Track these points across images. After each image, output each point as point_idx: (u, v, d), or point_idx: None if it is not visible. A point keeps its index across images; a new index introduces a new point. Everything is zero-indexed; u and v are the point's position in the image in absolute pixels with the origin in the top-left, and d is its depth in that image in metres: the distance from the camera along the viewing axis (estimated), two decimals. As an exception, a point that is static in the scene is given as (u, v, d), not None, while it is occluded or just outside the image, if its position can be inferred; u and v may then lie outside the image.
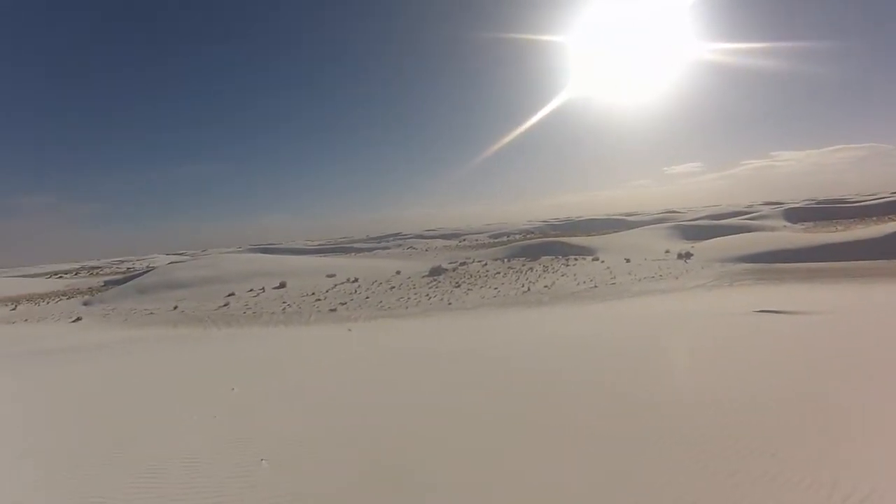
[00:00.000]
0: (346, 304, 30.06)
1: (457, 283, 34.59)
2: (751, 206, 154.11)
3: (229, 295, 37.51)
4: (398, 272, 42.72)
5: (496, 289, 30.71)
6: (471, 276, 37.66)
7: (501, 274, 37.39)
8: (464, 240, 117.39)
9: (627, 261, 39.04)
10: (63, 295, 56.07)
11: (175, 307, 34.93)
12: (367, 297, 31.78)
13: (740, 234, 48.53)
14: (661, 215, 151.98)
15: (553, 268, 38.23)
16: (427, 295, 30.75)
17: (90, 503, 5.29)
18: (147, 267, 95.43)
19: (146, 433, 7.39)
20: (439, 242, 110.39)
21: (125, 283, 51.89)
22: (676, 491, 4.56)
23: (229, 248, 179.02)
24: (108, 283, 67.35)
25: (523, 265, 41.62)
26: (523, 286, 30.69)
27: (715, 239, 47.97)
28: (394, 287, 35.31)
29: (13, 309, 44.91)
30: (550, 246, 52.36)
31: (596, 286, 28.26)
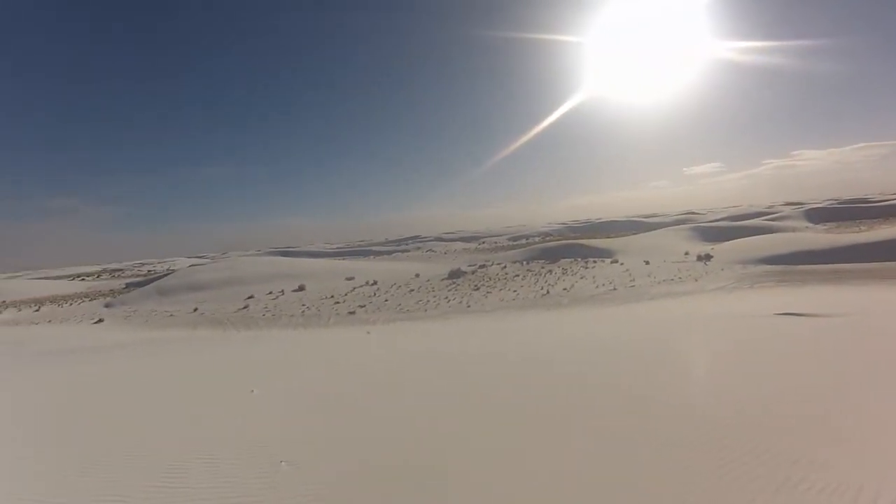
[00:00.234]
0: (364, 306, 30.14)
1: (476, 285, 34.54)
2: (772, 206, 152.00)
3: (249, 297, 37.81)
4: (417, 275, 42.75)
5: (515, 291, 30.62)
6: (490, 278, 37.57)
7: (520, 276, 37.26)
8: (483, 242, 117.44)
9: (647, 263, 38.70)
10: (85, 296, 57.11)
11: (195, 309, 35.29)
12: (386, 300, 31.81)
13: (761, 236, 47.77)
14: (680, 217, 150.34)
15: (572, 270, 38.02)
16: (446, 298, 30.74)
17: (112, 501, 5.38)
18: (168, 269, 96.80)
19: (166, 434, 7.48)
20: (458, 245, 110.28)
21: (146, 285, 52.63)
22: (698, 496, 4.52)
23: (249, 251, 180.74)
24: (129, 286, 68.43)
25: (542, 268, 41.45)
26: (542, 289, 30.58)
27: (735, 240, 47.39)
28: (413, 290, 35.35)
29: (37, 310, 45.85)
30: (569, 248, 52.12)
31: (615, 288, 28.08)
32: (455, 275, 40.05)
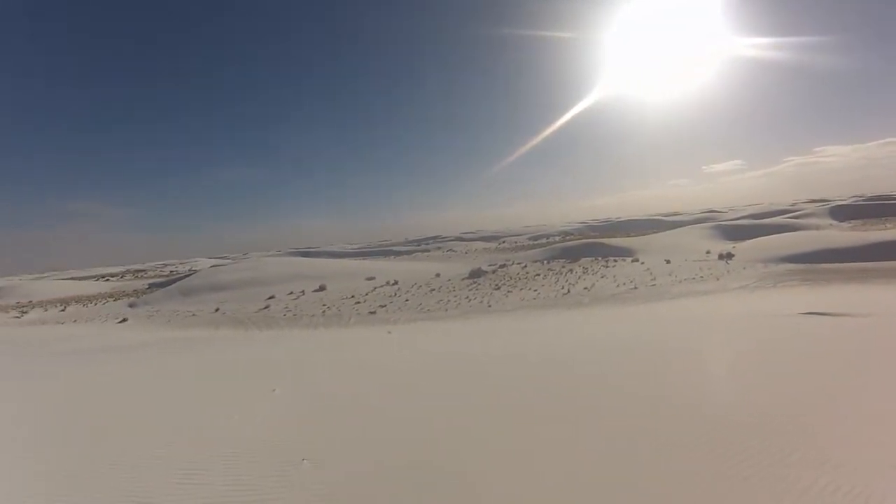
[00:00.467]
0: (385, 306, 30.21)
1: (497, 285, 34.49)
2: (794, 203, 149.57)
3: (270, 297, 38.02)
4: (438, 275, 42.77)
5: (536, 291, 30.54)
6: (511, 278, 37.50)
7: (541, 276, 37.16)
8: (503, 242, 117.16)
9: (668, 262, 38.28)
10: (110, 297, 58.16)
11: (217, 309, 35.69)
12: (407, 300, 31.87)
13: (784, 234, 47.02)
14: (701, 215, 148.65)
15: (593, 269, 37.77)
16: (467, 297, 30.72)
17: (134, 500, 5.46)
18: (190, 270, 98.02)
19: (188, 432, 7.58)
20: (479, 245, 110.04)
21: (169, 285, 53.33)
22: (719, 500, 4.47)
23: (269, 252, 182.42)
24: (152, 286, 69.38)
25: (563, 267, 41.26)
26: (563, 288, 30.45)
27: (757, 239, 46.68)
28: (433, 290, 35.38)
29: (63, 310, 46.86)
30: (590, 247, 51.81)
31: (636, 288, 27.87)
32: (476, 274, 40.02)
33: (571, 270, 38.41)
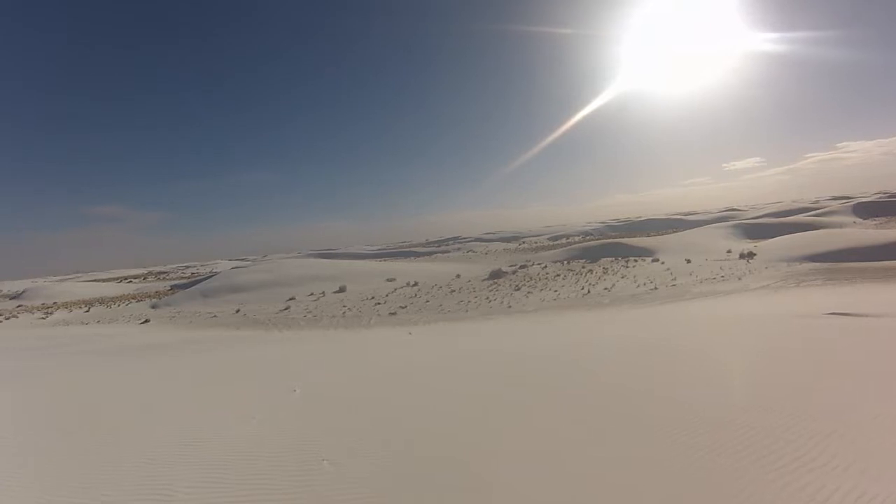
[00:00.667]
0: (405, 307, 30.36)
1: (517, 286, 34.48)
2: (817, 201, 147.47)
3: (290, 299, 38.51)
4: (458, 276, 43.07)
5: (556, 291, 30.50)
6: (531, 278, 37.50)
7: (561, 276, 37.11)
8: (523, 242, 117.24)
9: (688, 261, 38.07)
10: (132, 298, 59.61)
11: (237, 310, 36.23)
12: (427, 301, 32.07)
13: (806, 232, 46.08)
14: (721, 214, 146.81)
15: (613, 269, 37.65)
16: (487, 298, 30.77)
17: (155, 495, 5.56)
18: (210, 272, 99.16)
19: (209, 431, 7.66)
20: (499, 245, 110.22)
21: (190, 287, 54.40)
22: None
23: (289, 254, 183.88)
24: (174, 287, 70.64)
25: (583, 267, 41.20)
26: (583, 288, 30.37)
27: (779, 237, 46.14)
28: (454, 290, 35.57)
29: (87, 311, 48.11)
30: (610, 247, 51.46)
31: (656, 288, 27.72)
32: (496, 275, 40.13)
33: (591, 271, 38.28)
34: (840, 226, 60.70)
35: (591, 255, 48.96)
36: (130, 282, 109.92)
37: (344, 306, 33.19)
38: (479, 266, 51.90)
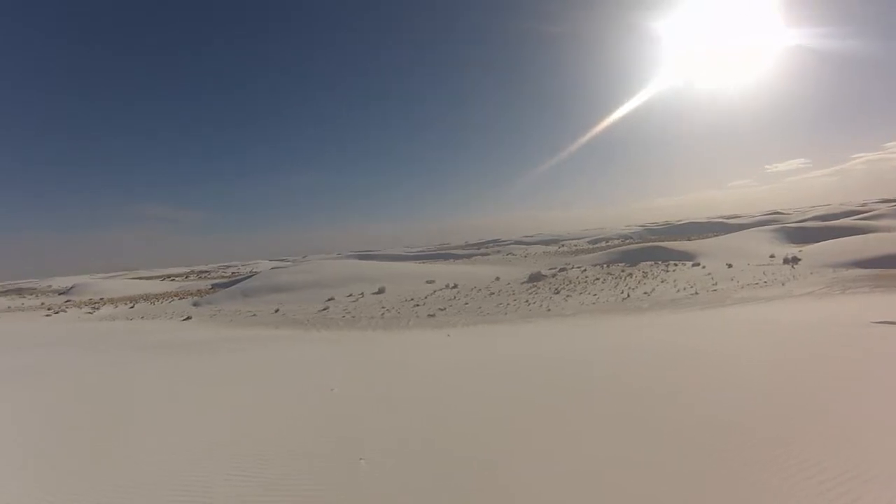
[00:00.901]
0: (444, 309, 30.42)
1: (556, 289, 34.53)
2: (864, 204, 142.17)
3: (329, 299, 38.78)
4: (497, 278, 43.01)
5: (595, 295, 30.30)
6: (570, 282, 37.41)
7: (601, 280, 36.86)
8: (563, 245, 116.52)
9: (729, 266, 37.28)
10: (175, 296, 61.45)
11: (277, 310, 36.69)
12: (467, 303, 32.13)
13: (854, 237, 44.21)
14: (764, 217, 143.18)
15: (652, 274, 37.23)
16: (526, 301, 30.83)
17: (192, 486, 5.84)
18: (251, 271, 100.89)
19: (250, 427, 7.92)
20: (538, 248, 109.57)
21: (231, 286, 55.39)
22: None
23: (329, 255, 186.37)
24: (215, 286, 72.42)
25: (622, 271, 40.86)
26: (622, 292, 30.14)
27: (825, 242, 44.37)
28: (493, 293, 35.58)
29: (132, 307, 50.18)
30: (649, 251, 50.83)
31: (696, 293, 27.26)
32: (535, 278, 40.07)
33: (631, 275, 37.94)
34: (889, 230, 58.31)
35: (631, 258, 48.43)
36: (173, 280, 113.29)
37: (383, 307, 33.32)
38: (518, 269, 51.90)
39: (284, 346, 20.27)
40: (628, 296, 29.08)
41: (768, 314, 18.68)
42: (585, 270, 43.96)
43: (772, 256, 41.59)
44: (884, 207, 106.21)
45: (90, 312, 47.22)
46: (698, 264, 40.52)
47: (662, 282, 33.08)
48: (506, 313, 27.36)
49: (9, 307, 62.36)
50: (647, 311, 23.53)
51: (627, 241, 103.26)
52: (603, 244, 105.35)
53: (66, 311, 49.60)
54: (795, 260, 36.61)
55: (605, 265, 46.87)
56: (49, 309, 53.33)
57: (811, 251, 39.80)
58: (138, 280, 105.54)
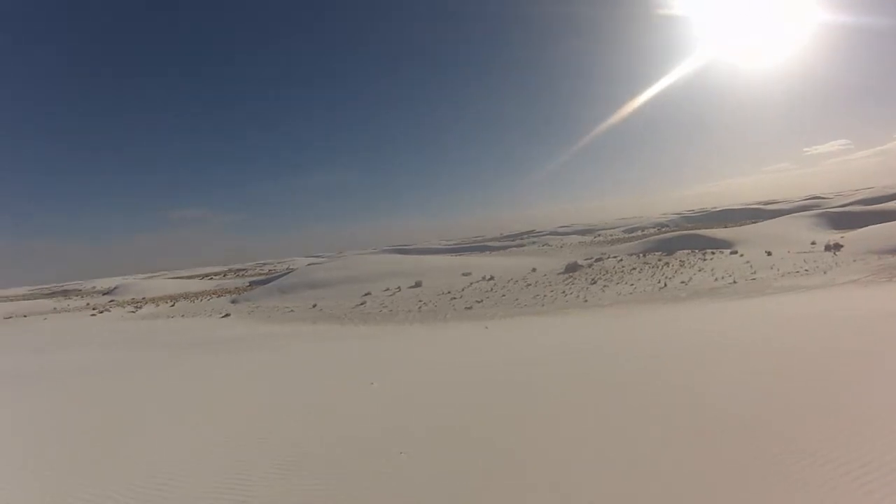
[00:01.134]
0: (481, 301, 30.57)
1: (593, 279, 34.44)
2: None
3: (366, 294, 39.17)
4: (534, 269, 43.02)
5: (632, 285, 30.17)
6: (606, 272, 37.26)
7: (637, 269, 36.61)
8: (598, 235, 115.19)
9: (769, 254, 36.48)
10: (214, 294, 63.15)
11: (314, 305, 37.39)
12: (504, 295, 32.19)
13: None
14: (804, 202, 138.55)
15: (689, 262, 36.77)
16: (563, 292, 30.84)
17: (234, 475, 6.12)
18: (287, 269, 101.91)
19: (290, 422, 8.13)
20: (574, 238, 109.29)
21: (268, 283, 56.13)
22: None
23: (365, 250, 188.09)
24: (252, 284, 73.49)
25: (659, 260, 40.48)
26: (659, 282, 29.93)
27: (869, 227, 42.82)
28: (529, 284, 35.65)
29: (172, 305, 52.00)
30: (686, 239, 49.93)
31: (735, 282, 26.84)
32: (571, 269, 40.02)
33: (668, 264, 37.59)
34: (940, 213, 57.01)
35: (668, 247, 47.74)
36: (211, 278, 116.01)
37: (420, 301, 33.52)
38: (554, 260, 51.60)
39: (323, 340, 20.73)
40: (665, 285, 28.83)
41: (810, 304, 18.21)
42: (622, 260, 43.65)
43: (813, 243, 40.43)
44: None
45: (133, 311, 49.26)
46: (736, 252, 39.70)
47: (700, 270, 32.59)
48: (543, 305, 27.40)
49: (54, 308, 64.80)
50: (686, 301, 23.29)
51: (663, 229, 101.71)
52: (639, 233, 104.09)
53: (109, 311, 51.61)
54: (838, 247, 35.51)
55: (641, 254, 46.37)
56: (94, 309, 55.59)
57: (854, 237, 38.43)
58: (177, 280, 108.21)
